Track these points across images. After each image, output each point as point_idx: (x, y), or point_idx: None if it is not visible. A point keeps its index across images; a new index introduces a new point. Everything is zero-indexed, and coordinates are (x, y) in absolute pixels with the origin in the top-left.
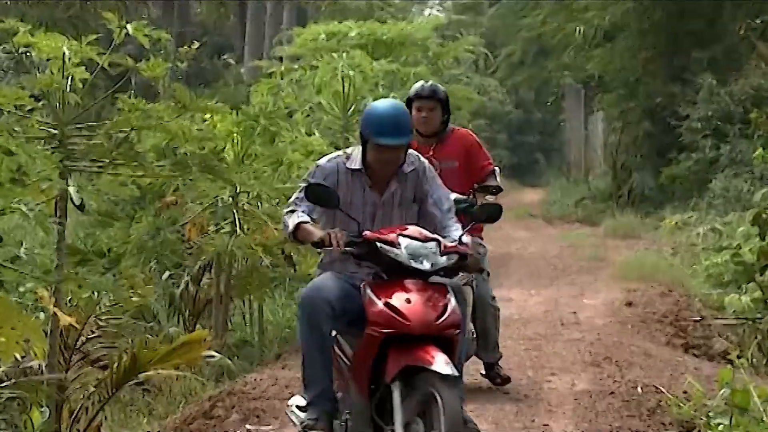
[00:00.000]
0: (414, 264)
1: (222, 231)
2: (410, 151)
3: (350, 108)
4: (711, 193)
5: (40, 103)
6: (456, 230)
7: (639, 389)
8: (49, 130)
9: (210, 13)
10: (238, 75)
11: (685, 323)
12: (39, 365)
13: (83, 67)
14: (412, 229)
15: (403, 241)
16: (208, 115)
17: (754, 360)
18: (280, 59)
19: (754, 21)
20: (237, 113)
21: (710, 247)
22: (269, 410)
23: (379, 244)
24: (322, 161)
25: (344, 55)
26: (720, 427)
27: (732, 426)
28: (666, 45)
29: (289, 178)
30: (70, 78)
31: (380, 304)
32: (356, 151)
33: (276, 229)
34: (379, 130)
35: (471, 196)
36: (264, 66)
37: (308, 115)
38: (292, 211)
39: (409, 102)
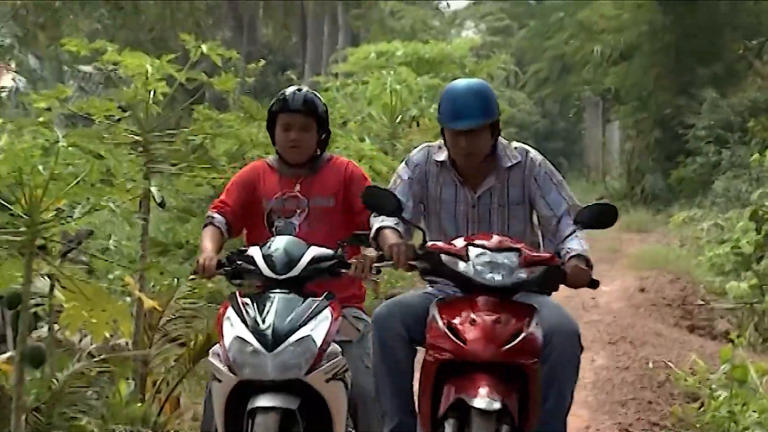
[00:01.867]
0: (481, 279)
1: None
2: (517, 143)
3: (397, 118)
4: (714, 193)
5: (127, 113)
6: (573, 239)
7: (650, 365)
8: (134, 136)
9: (275, 35)
10: None
11: (691, 307)
12: (126, 343)
13: (164, 82)
14: (489, 237)
15: (473, 252)
16: None
17: (752, 339)
18: (336, 75)
19: (751, 42)
20: None
21: (713, 240)
22: None
23: (443, 257)
24: (413, 152)
25: (392, 71)
26: (721, 398)
27: (732, 397)
28: (674, 63)
29: None
30: (152, 92)
31: (441, 324)
32: None
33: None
34: (447, 112)
35: (340, 250)
36: (322, 81)
37: (360, 124)
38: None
39: (271, 117)
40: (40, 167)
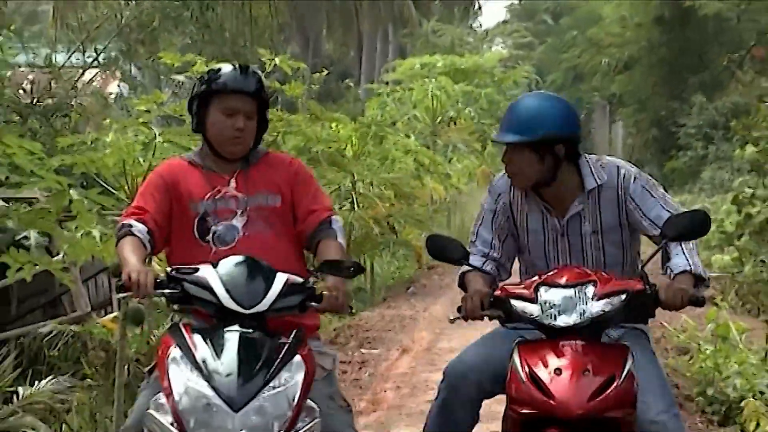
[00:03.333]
0: (552, 322)
1: (343, 208)
2: (606, 159)
3: (437, 118)
4: (701, 181)
5: None
6: (678, 255)
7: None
8: None
9: (336, 49)
10: (356, 94)
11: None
12: None
13: None
14: (562, 272)
15: (542, 292)
16: (334, 124)
17: (733, 303)
18: (387, 83)
19: (733, 55)
20: (355, 122)
21: None
22: (378, 339)
23: (513, 303)
24: (495, 178)
25: (433, 80)
26: (707, 352)
27: (716, 351)
28: (668, 73)
29: (392, 170)
30: None
31: (522, 374)
32: None
33: (383, 205)
34: (501, 125)
35: (311, 281)
36: (375, 88)
37: (406, 123)
38: (469, 245)
39: (205, 96)
40: (141, 159)
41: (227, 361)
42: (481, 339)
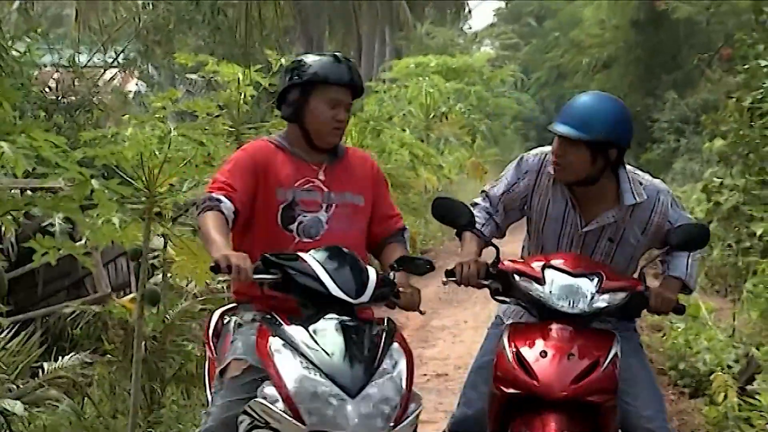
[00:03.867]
0: (558, 306)
1: None
2: (647, 177)
3: (430, 114)
4: (673, 172)
5: (223, 110)
6: (681, 257)
7: None
8: (229, 128)
9: (337, 50)
10: None
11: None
12: (221, 286)
13: (251, 87)
14: (569, 258)
15: (550, 275)
16: None
17: (703, 284)
18: (384, 81)
19: (703, 55)
20: (354, 117)
21: None
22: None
23: (517, 278)
24: (529, 153)
25: (426, 78)
26: (679, 329)
27: (687, 329)
28: (643, 72)
29: (389, 161)
30: (242, 94)
31: (509, 355)
32: None
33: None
34: (559, 114)
35: (392, 275)
36: (373, 86)
37: (402, 118)
38: (474, 205)
39: (306, 86)
40: (157, 152)
41: (335, 349)
42: (476, 372)
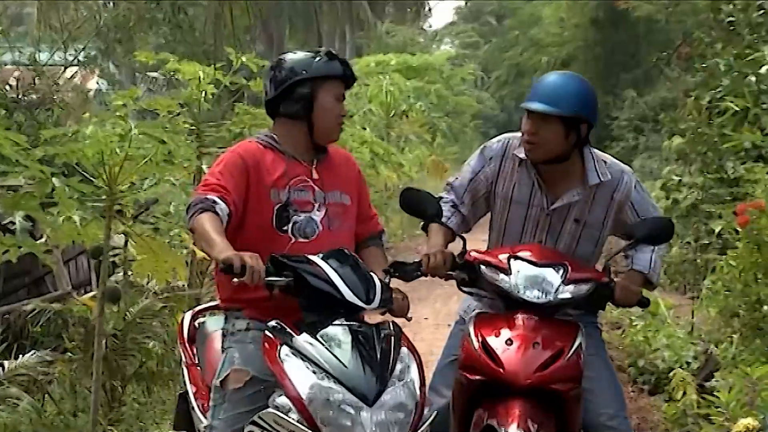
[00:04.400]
0: (523, 296)
1: None
2: (611, 159)
3: (391, 112)
4: (633, 169)
5: (184, 109)
6: (646, 251)
7: None
8: (190, 126)
9: (296, 49)
10: None
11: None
12: (182, 285)
13: (212, 85)
14: (535, 249)
15: (516, 266)
16: None
17: (662, 281)
18: None
19: (662, 54)
20: None
21: None
22: None
23: (483, 269)
24: (491, 141)
25: (387, 76)
26: (638, 326)
27: (646, 326)
28: (603, 70)
29: None
30: (203, 92)
31: (476, 343)
32: None
33: None
34: (528, 93)
35: (388, 279)
36: None
37: (362, 116)
38: (439, 199)
39: (315, 82)
40: (118, 150)
41: (347, 356)
42: (440, 373)
